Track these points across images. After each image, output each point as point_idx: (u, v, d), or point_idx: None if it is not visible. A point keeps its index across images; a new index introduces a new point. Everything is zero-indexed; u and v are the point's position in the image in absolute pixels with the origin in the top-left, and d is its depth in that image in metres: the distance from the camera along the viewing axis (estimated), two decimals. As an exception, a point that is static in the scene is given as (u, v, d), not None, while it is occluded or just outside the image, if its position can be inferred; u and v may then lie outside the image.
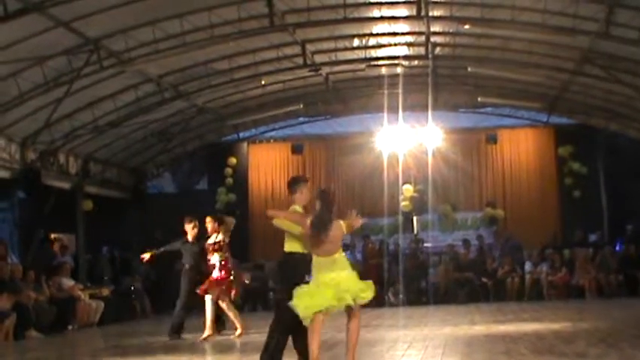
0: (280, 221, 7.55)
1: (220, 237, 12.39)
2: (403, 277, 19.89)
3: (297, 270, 7.51)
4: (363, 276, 7.45)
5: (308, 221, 7.25)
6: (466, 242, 21.39)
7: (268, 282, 20.61)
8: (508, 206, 23.07)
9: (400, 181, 21.31)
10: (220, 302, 12.39)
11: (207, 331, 12.24)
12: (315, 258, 7.27)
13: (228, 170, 23.66)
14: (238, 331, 12.33)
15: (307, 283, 7.32)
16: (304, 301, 7.07)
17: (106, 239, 21.53)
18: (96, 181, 20.34)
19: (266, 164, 24.27)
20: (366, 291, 7.19)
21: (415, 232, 22.03)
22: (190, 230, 13.00)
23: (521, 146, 23.41)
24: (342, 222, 7.30)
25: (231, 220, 12.75)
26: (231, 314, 12.49)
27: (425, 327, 12.84)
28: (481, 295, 19.75)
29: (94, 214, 19.96)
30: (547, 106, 21.42)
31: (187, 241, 12.99)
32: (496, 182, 23.40)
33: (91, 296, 17.16)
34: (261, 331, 12.33)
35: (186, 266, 12.91)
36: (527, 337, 10.15)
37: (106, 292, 18.04)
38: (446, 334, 11.25)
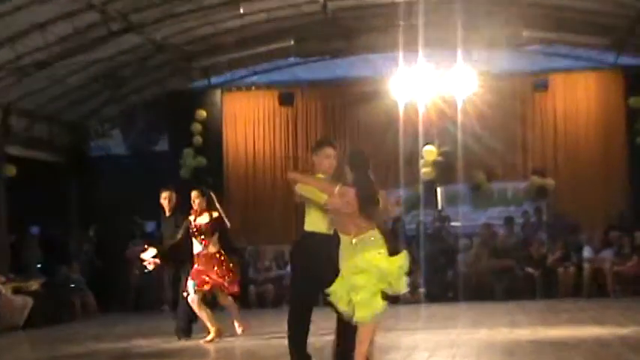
0: (305, 188, 7.75)
1: (215, 215, 12.75)
2: (424, 266, 19.86)
3: (318, 255, 7.77)
4: None
5: (336, 189, 7.46)
6: (509, 221, 21.37)
7: (248, 271, 20.63)
8: (561, 174, 22.96)
9: (420, 141, 21.25)
10: (190, 300, 12.60)
11: (213, 332, 12.65)
12: (345, 238, 7.46)
13: (197, 126, 23.58)
14: (210, 335, 12.54)
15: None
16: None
17: (35, 216, 21.49)
18: (20, 140, 20.19)
19: (246, 118, 24.20)
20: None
21: (439, 207, 21.98)
22: (164, 202, 13.43)
23: (580, 95, 23.26)
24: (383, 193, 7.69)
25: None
26: (203, 315, 12.71)
27: (452, 330, 12.84)
28: (525, 290, 19.71)
29: (19, 183, 19.90)
30: (615, 42, 21.18)
31: (165, 216, 13.51)
32: (546, 143, 23.29)
33: (15, 291, 17.17)
34: (237, 335, 12.50)
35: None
36: (586, 345, 10.14)
37: (35, 285, 18.03)
38: (479, 340, 11.25)
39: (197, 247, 12.65)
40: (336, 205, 7.42)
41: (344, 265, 7.43)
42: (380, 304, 7.36)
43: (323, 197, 7.55)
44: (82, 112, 22.23)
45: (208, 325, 12.64)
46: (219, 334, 12.62)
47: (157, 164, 22.29)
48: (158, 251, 13.04)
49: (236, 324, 12.79)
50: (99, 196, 22.56)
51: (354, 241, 7.36)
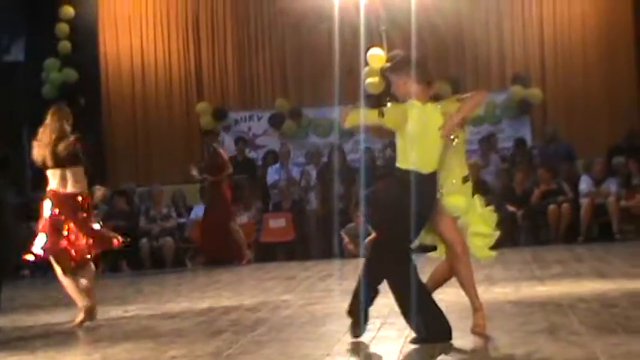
0: None
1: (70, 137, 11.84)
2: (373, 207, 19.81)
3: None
4: None
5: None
6: (488, 141, 21.52)
7: (139, 220, 20.46)
8: (549, 84, 23.18)
9: (362, 43, 21.16)
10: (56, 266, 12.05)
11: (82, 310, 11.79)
12: None
13: (62, 28, 23.37)
14: (80, 316, 11.95)
15: None
16: None
17: None
18: None
19: (131, 16, 24.16)
20: None
21: (392, 129, 21.94)
22: None
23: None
24: None
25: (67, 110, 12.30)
26: (69, 285, 12.00)
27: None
28: (505, 234, 19.81)
29: None
30: None
31: None
32: (528, 43, 23.44)
33: None
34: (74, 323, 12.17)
35: None
36: (585, 305, 10.20)
37: None
38: (445, 302, 11.02)
39: (52, 183, 11.80)
40: None
41: None
42: None
43: None
44: None
45: (77, 300, 11.80)
46: (91, 312, 11.76)
47: (9, 79, 21.99)
48: None
49: (82, 301, 11.76)
50: None
51: None
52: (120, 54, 23.88)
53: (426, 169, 8.70)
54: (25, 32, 23.84)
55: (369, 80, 21.47)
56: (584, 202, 19.69)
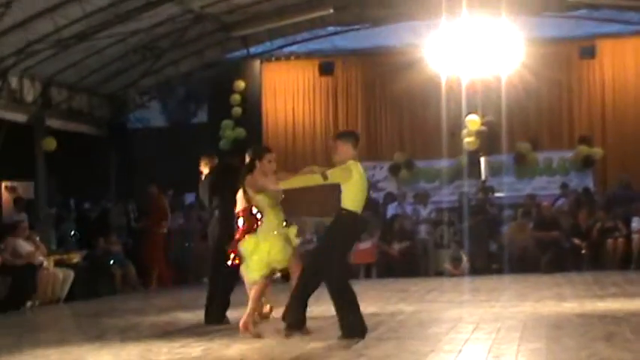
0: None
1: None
2: (468, 238, 19.73)
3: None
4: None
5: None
6: (564, 187, 21.32)
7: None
8: (609, 143, 22.80)
9: (463, 111, 21.08)
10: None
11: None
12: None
13: (236, 97, 23.58)
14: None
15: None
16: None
17: (74, 189, 21.55)
18: (60, 113, 20.27)
19: (285, 89, 24.33)
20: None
21: (483, 177, 21.82)
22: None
23: (629, 61, 23.03)
24: None
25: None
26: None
27: (496, 303, 12.75)
28: (572, 262, 19.57)
29: (59, 156, 19.90)
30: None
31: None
32: (593, 111, 23.10)
33: (57, 264, 17.05)
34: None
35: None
36: (636, 319, 10.01)
37: (76, 258, 17.93)
38: (525, 313, 11.14)
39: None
40: None
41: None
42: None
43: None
44: (120, 84, 22.22)
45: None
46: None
47: (195, 136, 22.34)
48: None
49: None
50: (138, 168, 22.63)
51: None
52: (277, 116, 24.14)
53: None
54: (207, 101, 24.16)
55: (467, 139, 21.40)
56: (635, 237, 19.36)
